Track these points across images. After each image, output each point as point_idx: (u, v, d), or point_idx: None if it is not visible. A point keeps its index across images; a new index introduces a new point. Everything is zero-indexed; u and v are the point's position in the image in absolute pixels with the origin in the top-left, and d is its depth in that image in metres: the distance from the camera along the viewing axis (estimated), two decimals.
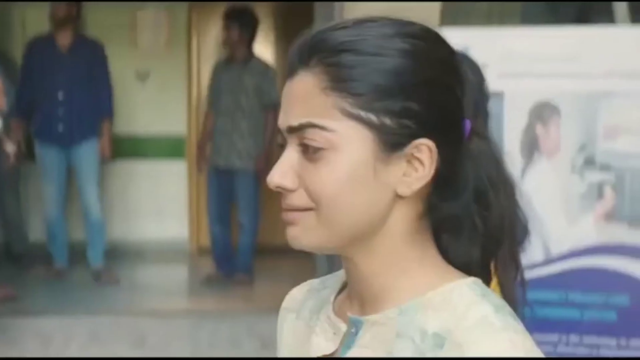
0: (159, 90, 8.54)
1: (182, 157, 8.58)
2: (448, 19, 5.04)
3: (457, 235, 1.30)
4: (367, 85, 1.22)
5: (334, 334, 1.32)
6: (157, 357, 5.52)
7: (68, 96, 6.96)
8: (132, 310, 6.35)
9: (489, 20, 5.62)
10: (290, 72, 1.25)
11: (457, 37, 3.55)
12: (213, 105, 7.13)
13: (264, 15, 7.96)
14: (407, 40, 1.24)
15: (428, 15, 4.64)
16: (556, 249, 3.62)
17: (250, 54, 7.10)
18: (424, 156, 1.22)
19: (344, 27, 1.25)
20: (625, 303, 3.58)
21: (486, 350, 1.20)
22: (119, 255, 7.73)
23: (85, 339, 5.74)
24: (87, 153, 7.04)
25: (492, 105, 3.59)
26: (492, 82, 3.56)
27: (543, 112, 3.63)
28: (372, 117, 1.22)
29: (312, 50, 1.23)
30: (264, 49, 8.19)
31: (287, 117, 1.24)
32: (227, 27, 7.06)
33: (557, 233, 3.63)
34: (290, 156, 1.23)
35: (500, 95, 3.61)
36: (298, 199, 1.24)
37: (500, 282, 2.31)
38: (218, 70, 7.17)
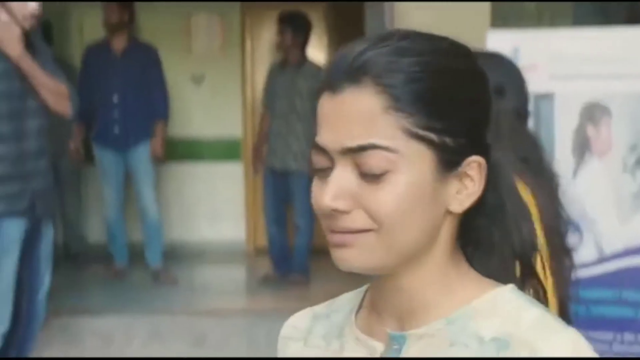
0: (213, 93, 8.61)
1: (238, 159, 8.63)
2: (498, 21, 5.05)
3: (488, 248, 1.30)
4: (426, 104, 1.20)
5: (370, 353, 1.30)
6: (215, 357, 5.58)
7: (123, 99, 7.09)
8: (190, 309, 6.41)
9: (539, 21, 5.62)
10: (332, 88, 1.20)
11: (507, 39, 3.61)
12: (268, 107, 7.21)
13: (316, 19, 8.01)
14: (450, 59, 1.23)
15: (479, 16, 4.66)
16: (609, 248, 3.62)
17: (303, 58, 7.16)
18: (474, 173, 1.23)
19: (388, 45, 1.22)
20: None
21: (553, 348, 1.21)
22: (177, 256, 7.83)
23: (145, 338, 5.80)
24: (143, 155, 7.14)
25: (542, 107, 3.63)
26: (543, 84, 3.60)
27: (594, 113, 3.63)
28: (433, 137, 1.20)
29: (363, 69, 1.19)
30: (317, 52, 8.25)
31: (340, 138, 1.19)
32: (280, 31, 7.14)
33: (610, 232, 3.62)
34: (342, 177, 1.20)
35: (550, 97, 3.64)
36: (353, 220, 1.20)
37: (554, 282, 2.35)
38: (272, 74, 7.24)
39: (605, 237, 3.62)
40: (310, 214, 7.09)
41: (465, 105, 1.22)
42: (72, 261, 7.82)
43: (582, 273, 3.49)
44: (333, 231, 1.21)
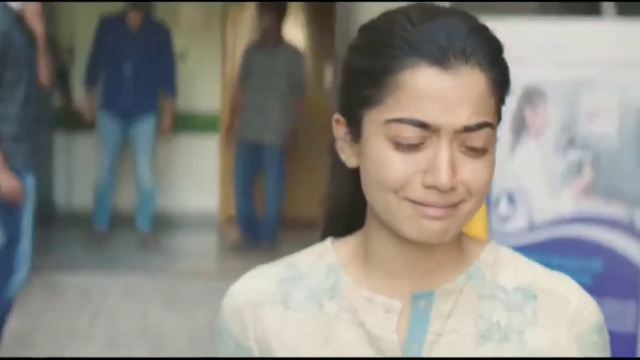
0: (195, 69, 8.68)
1: (216, 132, 8.74)
2: None
3: None
4: (505, 84, 1.25)
5: (386, 312, 1.28)
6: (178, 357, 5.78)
7: (133, 71, 7.28)
8: (164, 270, 6.61)
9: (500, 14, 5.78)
10: (443, 67, 1.18)
11: None
12: (244, 84, 7.38)
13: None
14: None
15: None
16: (539, 219, 3.79)
17: (280, 38, 7.37)
18: None
19: (476, 26, 1.23)
20: (599, 268, 3.75)
21: (576, 293, 1.31)
22: (156, 222, 8.01)
23: (120, 295, 5.98)
24: (146, 126, 7.37)
25: None
26: None
27: (531, 97, 3.78)
28: (501, 110, 1.26)
29: (473, 50, 1.19)
30: (294, 32, 8.42)
31: (457, 117, 1.18)
32: (259, 13, 7.33)
33: (541, 204, 3.79)
34: (450, 154, 1.18)
35: None
36: (455, 195, 1.20)
37: None
38: (250, 53, 7.43)
39: (536, 209, 3.79)
40: (281, 185, 7.34)
41: (510, 77, 1.27)
42: (53, 223, 7.98)
43: (514, 240, 3.77)
44: (438, 206, 1.20)
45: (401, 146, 1.19)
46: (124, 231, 7.60)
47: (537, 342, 1.28)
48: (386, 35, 1.21)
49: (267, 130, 7.25)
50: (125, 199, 7.96)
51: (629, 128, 3.74)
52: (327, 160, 1.40)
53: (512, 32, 3.91)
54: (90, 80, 7.40)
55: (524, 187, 3.81)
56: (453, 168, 1.18)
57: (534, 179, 3.83)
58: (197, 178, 8.83)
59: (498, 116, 1.24)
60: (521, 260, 1.35)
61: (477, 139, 1.19)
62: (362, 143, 1.25)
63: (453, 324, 1.28)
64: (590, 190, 3.78)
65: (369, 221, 1.31)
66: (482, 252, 1.33)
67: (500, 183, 3.81)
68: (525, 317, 1.29)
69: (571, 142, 3.80)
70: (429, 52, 1.18)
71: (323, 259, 1.35)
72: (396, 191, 1.20)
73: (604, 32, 3.84)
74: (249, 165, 7.39)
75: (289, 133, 7.33)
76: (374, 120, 1.22)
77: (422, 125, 1.18)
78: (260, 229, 7.41)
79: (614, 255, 3.75)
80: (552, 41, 3.82)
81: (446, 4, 1.30)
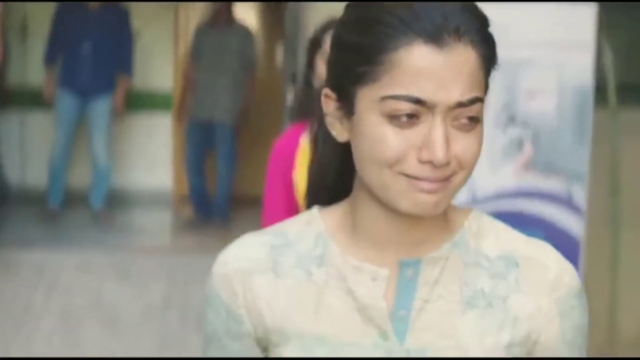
0: (149, 49, 8.63)
1: (169, 111, 8.72)
2: None
3: None
4: (493, 59, 1.27)
5: (374, 280, 1.30)
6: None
7: (92, 51, 7.28)
8: (118, 246, 6.66)
9: None
10: (436, 43, 1.19)
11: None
12: (195, 63, 7.41)
13: None
14: None
15: None
16: (481, 194, 3.87)
17: (231, 18, 7.42)
18: None
19: (466, 4, 1.24)
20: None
21: (555, 259, 1.33)
22: (111, 199, 8.03)
23: (74, 270, 6.03)
24: (103, 105, 7.39)
25: None
26: None
27: None
28: (488, 83, 1.28)
29: (464, 27, 1.20)
30: (246, 12, 8.45)
31: (451, 93, 1.19)
32: None
33: (483, 180, 3.85)
34: (444, 131, 1.20)
35: None
36: (448, 169, 1.21)
37: None
38: (201, 32, 7.46)
39: (478, 183, 3.86)
40: (233, 163, 7.40)
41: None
42: (7, 202, 7.96)
43: None
44: (432, 180, 1.21)
45: (397, 122, 1.20)
46: (78, 209, 7.63)
47: (520, 308, 1.31)
48: (379, 11, 1.21)
49: (218, 108, 7.29)
50: (79, 177, 7.98)
51: (567, 106, 3.85)
52: (314, 133, 1.40)
53: None
54: (49, 59, 7.41)
55: None
56: (447, 143, 1.20)
57: None
58: (151, 156, 8.82)
59: (486, 88, 1.27)
60: (502, 227, 1.37)
61: (470, 114, 1.21)
62: (354, 119, 1.25)
63: (440, 291, 1.30)
64: (530, 165, 3.88)
65: (357, 192, 1.33)
66: (466, 221, 1.35)
67: None
68: (508, 284, 1.31)
69: (511, 120, 3.88)
70: (424, 30, 1.19)
71: (311, 227, 1.36)
72: (391, 166, 1.21)
73: (544, 14, 3.91)
74: (200, 143, 7.43)
75: (239, 111, 7.39)
76: (368, 97, 1.22)
77: (418, 101, 1.19)
78: (213, 207, 7.47)
79: (552, 228, 3.86)
80: (494, 23, 3.90)
81: None
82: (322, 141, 1.39)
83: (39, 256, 6.17)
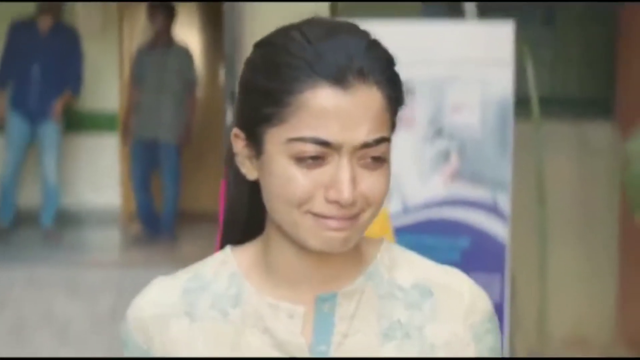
0: (94, 70, 8.70)
1: (115, 131, 8.74)
2: (345, 16, 5.38)
3: None
4: (399, 100, 1.27)
5: (290, 317, 1.28)
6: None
7: (41, 74, 7.32)
8: (68, 262, 6.65)
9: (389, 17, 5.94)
10: (341, 85, 1.19)
11: None
12: (137, 84, 7.46)
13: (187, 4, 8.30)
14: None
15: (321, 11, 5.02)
16: (412, 203, 3.97)
17: (171, 40, 7.50)
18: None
19: (369, 42, 1.25)
20: (467, 246, 3.96)
21: (468, 286, 1.34)
22: (60, 218, 8.05)
23: (24, 285, 6.03)
24: (52, 127, 7.43)
25: None
26: None
27: None
28: (395, 121, 1.28)
29: (368, 68, 1.21)
30: (188, 32, 8.52)
31: (356, 134, 1.19)
32: (150, 15, 7.45)
33: (413, 190, 3.96)
34: (350, 171, 1.20)
35: None
36: (355, 207, 1.22)
37: None
38: (142, 54, 7.53)
39: (409, 194, 3.97)
40: (177, 181, 7.48)
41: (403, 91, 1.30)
42: None
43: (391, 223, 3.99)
44: (340, 218, 1.21)
45: (304, 163, 1.20)
46: (28, 227, 7.66)
47: (436, 336, 1.30)
48: (284, 54, 1.21)
49: (161, 128, 7.35)
50: (29, 197, 8.01)
51: (490, 119, 3.96)
52: (225, 171, 1.39)
53: (383, 34, 4.15)
54: (1, 81, 7.45)
55: (397, 174, 3.89)
56: (354, 182, 1.20)
57: (406, 166, 4.01)
58: (99, 176, 8.85)
59: (393, 126, 1.27)
60: (414, 257, 1.36)
61: (376, 154, 1.21)
62: (263, 159, 1.24)
63: (357, 325, 1.29)
64: (457, 175, 3.98)
65: (269, 230, 1.31)
66: (378, 253, 1.34)
67: None
68: (423, 313, 1.31)
69: (438, 133, 3.99)
70: (328, 72, 1.18)
71: (225, 267, 1.34)
72: (299, 206, 1.21)
73: (467, 33, 4.04)
74: (145, 162, 7.48)
75: (182, 130, 7.48)
76: (275, 139, 1.21)
77: (324, 143, 1.19)
78: (160, 223, 7.54)
79: (480, 234, 3.97)
80: (419, 42, 4.00)
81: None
82: (233, 179, 1.37)
83: None
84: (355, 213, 1.22)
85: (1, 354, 5.32)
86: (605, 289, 5.40)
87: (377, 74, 1.21)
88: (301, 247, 1.26)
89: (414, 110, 4.01)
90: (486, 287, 4.07)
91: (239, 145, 1.29)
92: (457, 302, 1.32)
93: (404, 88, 1.28)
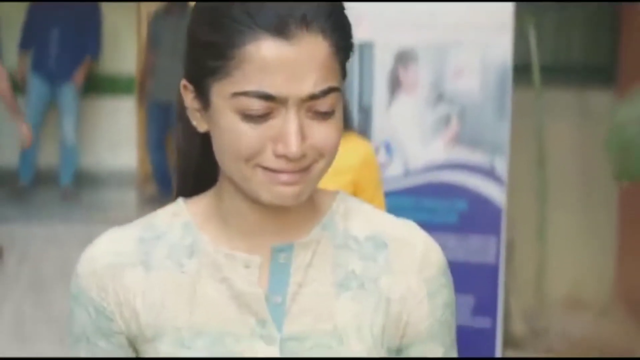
0: (113, 35, 8.72)
1: (133, 94, 8.77)
2: None
3: None
4: (351, 44, 1.20)
5: (246, 267, 1.24)
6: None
7: (61, 38, 7.44)
8: (85, 220, 6.82)
9: None
10: (284, 36, 1.12)
11: None
12: (153, 48, 7.55)
13: None
14: None
15: None
16: (413, 166, 4.03)
17: (186, 5, 7.52)
18: None
19: None
20: (465, 208, 4.02)
21: (422, 239, 1.30)
22: (80, 178, 8.16)
23: (43, 243, 6.19)
24: (71, 89, 7.54)
25: (365, 53, 4.08)
26: (366, 34, 4.04)
27: (404, 58, 4.01)
28: (346, 71, 1.22)
29: (312, 17, 1.13)
30: None
31: (301, 86, 1.13)
32: None
33: (414, 153, 4.02)
34: (298, 124, 1.14)
35: (371, 45, 4.02)
36: (305, 160, 1.17)
37: None
38: (157, 19, 7.62)
39: (410, 157, 4.03)
40: None
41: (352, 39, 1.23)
42: None
43: (392, 185, 4.05)
44: (290, 171, 1.16)
45: (249, 117, 1.14)
46: (47, 186, 7.76)
47: (391, 289, 1.28)
48: (227, 6, 1.15)
49: (176, 90, 7.40)
50: (48, 156, 8.10)
51: (490, 84, 4.01)
52: (177, 123, 1.34)
53: (387, 1, 4.16)
54: (23, 45, 7.54)
55: (399, 138, 4.05)
56: (302, 135, 1.14)
57: (408, 130, 4.05)
58: (116, 137, 8.91)
59: (343, 75, 1.20)
60: (369, 209, 1.33)
61: (324, 104, 1.15)
62: (210, 112, 1.19)
63: (313, 274, 1.26)
64: (457, 140, 4.04)
65: (222, 182, 1.27)
66: (334, 202, 1.31)
67: (378, 135, 4.06)
68: (378, 265, 1.28)
69: (440, 98, 4.03)
70: (269, 23, 1.12)
71: (178, 218, 1.29)
72: (248, 160, 1.16)
73: None
74: (161, 123, 7.56)
75: None
76: (221, 93, 1.16)
77: (268, 97, 1.13)
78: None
79: (477, 197, 4.03)
80: (422, 8, 4.03)
81: None
82: (183, 131, 1.32)
83: (10, 229, 6.29)
84: (305, 166, 1.17)
85: (23, 305, 5.43)
86: (603, 251, 5.44)
87: (322, 22, 1.14)
88: (254, 200, 1.21)
89: (416, 76, 4.06)
90: (482, 248, 4.16)
91: (188, 97, 1.24)
92: (411, 255, 1.29)
93: (352, 33, 1.21)
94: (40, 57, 7.45)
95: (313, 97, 1.14)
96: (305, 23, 1.13)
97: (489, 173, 4.03)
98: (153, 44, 7.58)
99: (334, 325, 1.25)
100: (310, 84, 1.13)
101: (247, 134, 1.15)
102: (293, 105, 1.14)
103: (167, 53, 7.46)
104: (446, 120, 4.06)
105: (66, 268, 5.88)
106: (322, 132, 1.16)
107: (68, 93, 7.50)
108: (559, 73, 5.47)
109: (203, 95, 1.20)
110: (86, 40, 7.52)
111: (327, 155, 1.18)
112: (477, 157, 4.05)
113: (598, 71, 5.67)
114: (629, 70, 5.39)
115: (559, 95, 5.32)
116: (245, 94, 1.13)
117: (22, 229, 6.36)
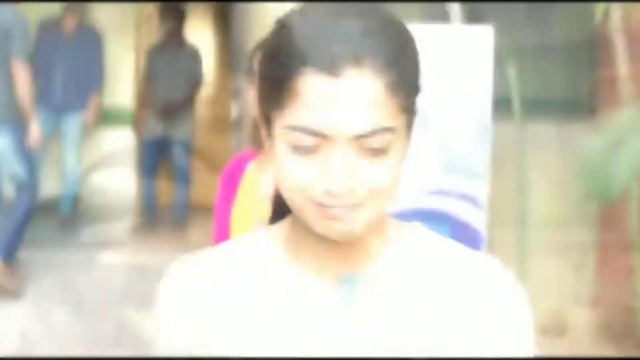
0: (112, 67, 8.69)
1: (129, 125, 8.77)
2: None
3: None
4: (412, 81, 1.17)
5: (315, 292, 1.25)
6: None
7: (66, 72, 7.47)
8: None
9: None
10: (331, 72, 1.10)
11: None
12: (150, 82, 7.63)
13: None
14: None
15: None
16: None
17: (182, 41, 7.65)
18: None
19: (369, 24, 1.13)
20: (447, 234, 4.03)
21: (489, 266, 1.27)
22: (80, 206, 8.27)
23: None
24: (76, 122, 7.58)
25: None
26: None
27: None
28: (413, 107, 1.19)
29: (362, 52, 1.10)
30: (200, 30, 8.62)
31: (349, 124, 1.11)
32: (160, 16, 7.64)
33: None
34: (347, 158, 1.12)
35: None
36: (354, 197, 1.14)
37: None
38: (154, 53, 7.71)
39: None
40: (187, 176, 7.68)
41: (418, 74, 1.20)
42: None
43: None
44: (337, 206, 1.14)
45: (299, 151, 1.13)
46: (48, 213, 7.82)
47: (454, 323, 1.25)
48: (284, 39, 1.15)
49: (172, 124, 7.55)
50: (49, 186, 8.13)
51: (471, 115, 4.06)
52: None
53: None
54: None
55: None
56: (350, 171, 1.12)
57: None
58: (115, 167, 8.86)
59: (409, 111, 1.17)
60: (440, 239, 1.31)
61: (375, 142, 1.12)
62: (272, 141, 1.20)
63: (379, 305, 1.24)
64: (439, 168, 4.08)
65: None
66: (407, 234, 1.30)
67: None
68: (443, 297, 1.26)
69: (423, 127, 3.90)
70: (319, 59, 1.10)
71: (256, 242, 1.31)
72: (300, 192, 1.15)
73: (448, 36, 4.11)
74: (155, 154, 7.69)
75: (191, 125, 7.67)
76: (277, 124, 1.16)
77: (315, 133, 1.11)
78: (160, 215, 7.76)
79: (458, 223, 4.08)
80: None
81: None
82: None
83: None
84: (355, 203, 1.14)
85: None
86: (583, 282, 5.48)
87: (375, 59, 1.10)
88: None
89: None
90: None
91: (261, 124, 1.24)
92: (479, 290, 1.26)
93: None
94: (44, 90, 7.51)
95: (361, 137, 1.12)
96: (357, 60, 1.10)
97: (470, 199, 4.08)
98: (149, 78, 7.66)
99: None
100: (358, 123, 1.11)
101: (296, 167, 1.15)
102: (340, 143, 1.12)
103: (162, 88, 7.54)
104: (428, 149, 4.09)
105: (66, 292, 5.97)
106: (371, 170, 1.14)
107: (73, 124, 7.57)
108: (540, 106, 5.54)
109: (268, 125, 1.21)
110: (90, 76, 7.59)
111: (380, 194, 1.15)
112: (458, 184, 4.09)
113: (577, 105, 5.74)
114: (607, 103, 5.46)
115: (539, 127, 5.39)
116: (293, 128, 1.13)
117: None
